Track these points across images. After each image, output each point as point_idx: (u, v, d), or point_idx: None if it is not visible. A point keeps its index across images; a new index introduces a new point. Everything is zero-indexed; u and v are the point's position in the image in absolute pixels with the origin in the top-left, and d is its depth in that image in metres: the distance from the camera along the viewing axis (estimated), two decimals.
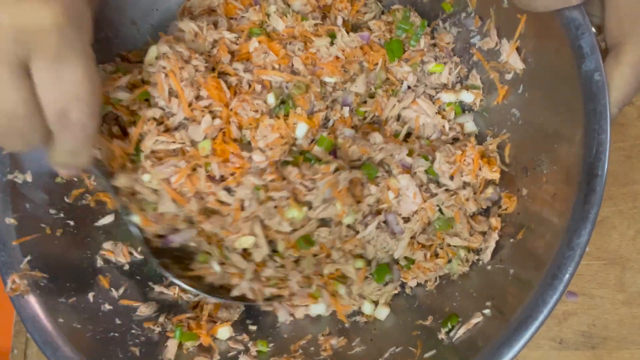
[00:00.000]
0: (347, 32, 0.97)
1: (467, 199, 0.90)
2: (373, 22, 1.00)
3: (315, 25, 0.97)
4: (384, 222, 0.92)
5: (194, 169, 0.87)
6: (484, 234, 0.90)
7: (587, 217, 0.73)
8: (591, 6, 0.79)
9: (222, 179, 0.88)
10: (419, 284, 0.94)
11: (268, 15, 0.97)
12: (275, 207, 0.88)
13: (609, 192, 1.07)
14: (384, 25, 1.00)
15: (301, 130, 0.92)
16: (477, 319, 0.81)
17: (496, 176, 0.91)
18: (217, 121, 0.89)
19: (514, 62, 0.89)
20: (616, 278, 1.05)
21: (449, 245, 0.91)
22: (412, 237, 0.92)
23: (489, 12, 0.92)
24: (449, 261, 0.91)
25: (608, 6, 0.77)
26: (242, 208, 0.88)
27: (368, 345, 0.89)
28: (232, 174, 0.88)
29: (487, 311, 0.81)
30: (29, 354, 1.07)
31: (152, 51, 0.89)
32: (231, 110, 0.90)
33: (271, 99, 0.92)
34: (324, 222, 0.91)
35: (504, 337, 0.74)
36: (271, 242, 0.90)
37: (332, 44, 0.96)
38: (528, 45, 0.87)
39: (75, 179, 0.93)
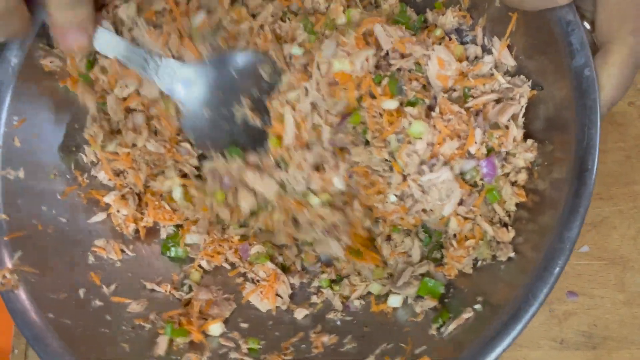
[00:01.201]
0: None
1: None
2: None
3: None
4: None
5: None
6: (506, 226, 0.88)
7: (578, 211, 0.73)
8: (584, 2, 0.79)
9: None
10: None
11: None
12: None
13: (609, 192, 1.06)
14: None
15: None
16: (467, 314, 0.81)
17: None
18: None
19: (506, 59, 0.89)
20: (617, 278, 1.04)
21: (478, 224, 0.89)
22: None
23: (481, 11, 0.92)
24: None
25: (599, 4, 0.77)
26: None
27: (359, 342, 0.88)
28: None
29: (477, 306, 0.81)
30: (29, 354, 1.07)
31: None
32: None
33: None
34: None
35: (494, 331, 0.74)
36: None
37: None
38: (519, 43, 0.87)
39: (68, 176, 0.94)
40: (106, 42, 0.86)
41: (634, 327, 1.02)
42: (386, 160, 0.89)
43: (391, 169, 0.90)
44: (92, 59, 0.92)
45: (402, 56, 0.91)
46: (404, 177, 0.88)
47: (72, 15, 0.78)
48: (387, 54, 0.92)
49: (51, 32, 0.81)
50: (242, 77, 0.94)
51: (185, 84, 0.91)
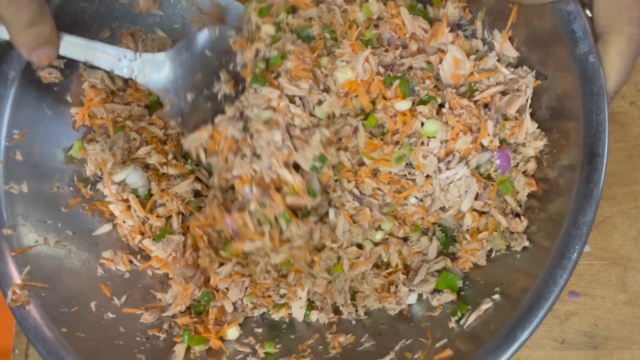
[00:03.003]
0: None
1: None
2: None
3: None
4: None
5: None
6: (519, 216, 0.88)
7: (591, 196, 0.73)
8: None
9: None
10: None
11: None
12: None
13: (610, 192, 1.07)
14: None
15: None
16: (487, 305, 0.80)
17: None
18: None
19: (508, 51, 0.90)
20: (618, 278, 1.04)
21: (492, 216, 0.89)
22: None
23: (479, 5, 0.93)
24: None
25: None
26: None
27: (377, 341, 0.87)
28: None
29: (496, 296, 0.81)
30: (30, 354, 1.07)
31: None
32: None
33: None
34: None
35: (516, 319, 0.73)
36: None
37: None
38: (520, 34, 0.88)
39: (71, 188, 0.93)
40: (73, 47, 0.84)
41: (635, 327, 1.02)
42: (407, 164, 0.89)
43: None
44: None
45: (418, 51, 0.92)
46: (427, 177, 0.88)
47: (36, 33, 0.77)
48: (404, 47, 0.93)
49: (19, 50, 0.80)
50: (216, 54, 0.93)
51: (160, 70, 0.90)
